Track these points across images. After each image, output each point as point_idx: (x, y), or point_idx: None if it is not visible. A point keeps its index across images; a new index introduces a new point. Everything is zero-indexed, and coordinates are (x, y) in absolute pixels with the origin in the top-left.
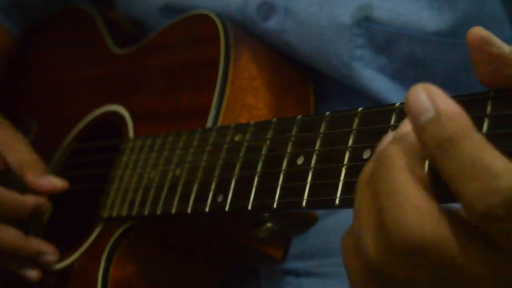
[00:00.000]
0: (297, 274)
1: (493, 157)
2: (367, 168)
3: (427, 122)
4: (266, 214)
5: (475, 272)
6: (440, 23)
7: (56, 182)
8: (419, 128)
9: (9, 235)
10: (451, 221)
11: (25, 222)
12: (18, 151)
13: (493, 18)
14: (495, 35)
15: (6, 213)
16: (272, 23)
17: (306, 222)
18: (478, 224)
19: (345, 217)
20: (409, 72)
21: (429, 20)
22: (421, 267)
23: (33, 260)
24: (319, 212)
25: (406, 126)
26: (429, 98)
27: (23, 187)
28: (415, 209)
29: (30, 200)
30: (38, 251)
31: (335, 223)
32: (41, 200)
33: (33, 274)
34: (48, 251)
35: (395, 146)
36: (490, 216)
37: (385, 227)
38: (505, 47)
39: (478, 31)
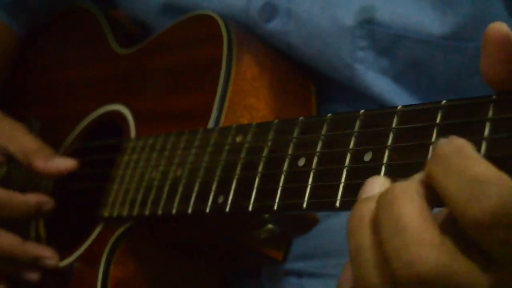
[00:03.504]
0: (299, 274)
1: (481, 167)
2: (365, 208)
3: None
4: (266, 215)
5: (474, 284)
6: (443, 26)
7: (65, 163)
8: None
9: (6, 241)
10: (452, 243)
11: (26, 223)
12: (20, 139)
13: (496, 20)
14: None
15: (9, 214)
16: (275, 25)
17: (307, 223)
18: (472, 235)
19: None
20: (411, 75)
21: (432, 22)
22: None
23: (33, 264)
24: (322, 213)
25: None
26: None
27: (24, 185)
28: (419, 240)
29: (32, 198)
30: (36, 256)
31: (338, 224)
32: (43, 198)
33: (33, 276)
34: (47, 255)
35: (397, 186)
36: (479, 224)
37: (388, 261)
38: None
39: (501, 28)
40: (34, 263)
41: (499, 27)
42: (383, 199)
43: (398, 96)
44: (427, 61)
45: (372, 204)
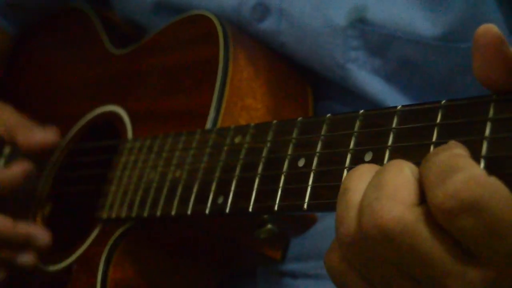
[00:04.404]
0: (294, 275)
1: (460, 160)
2: (367, 166)
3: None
4: (265, 216)
5: (444, 266)
6: (434, 27)
7: (44, 135)
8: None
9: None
10: (425, 212)
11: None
12: (4, 118)
13: (488, 20)
14: None
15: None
16: (267, 24)
17: (306, 223)
18: (441, 223)
19: None
20: (403, 75)
21: (423, 23)
22: (389, 253)
23: (25, 245)
24: (317, 214)
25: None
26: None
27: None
28: (391, 196)
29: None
30: (27, 234)
31: (332, 225)
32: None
33: (28, 258)
34: (37, 233)
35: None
36: (442, 208)
37: (361, 212)
38: None
39: (492, 30)
40: (26, 244)
41: (490, 29)
42: (384, 165)
43: (390, 96)
44: (419, 61)
45: (376, 167)
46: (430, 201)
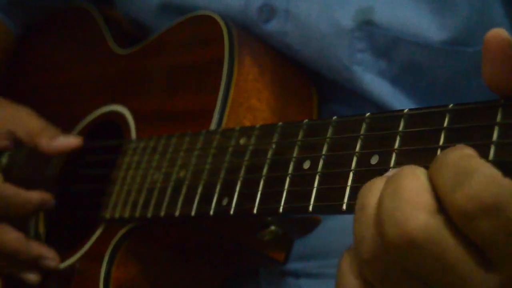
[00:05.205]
0: (296, 275)
1: (474, 161)
2: (379, 179)
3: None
4: (269, 218)
5: (465, 273)
6: (441, 30)
7: (69, 140)
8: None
9: (11, 237)
10: (448, 218)
11: (26, 221)
12: (26, 122)
13: (495, 24)
14: None
15: (11, 210)
16: (273, 26)
17: (310, 224)
18: (460, 227)
19: (345, 218)
20: (409, 77)
21: (430, 26)
22: (411, 262)
23: (33, 263)
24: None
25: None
26: None
27: (28, 181)
28: (413, 203)
29: (35, 196)
30: (38, 255)
31: (335, 225)
32: (46, 196)
33: (33, 277)
34: (49, 255)
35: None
36: (462, 211)
37: (381, 223)
38: None
39: (501, 33)
40: (35, 263)
41: (499, 33)
42: (393, 173)
43: (395, 99)
44: (425, 64)
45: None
46: (449, 205)
